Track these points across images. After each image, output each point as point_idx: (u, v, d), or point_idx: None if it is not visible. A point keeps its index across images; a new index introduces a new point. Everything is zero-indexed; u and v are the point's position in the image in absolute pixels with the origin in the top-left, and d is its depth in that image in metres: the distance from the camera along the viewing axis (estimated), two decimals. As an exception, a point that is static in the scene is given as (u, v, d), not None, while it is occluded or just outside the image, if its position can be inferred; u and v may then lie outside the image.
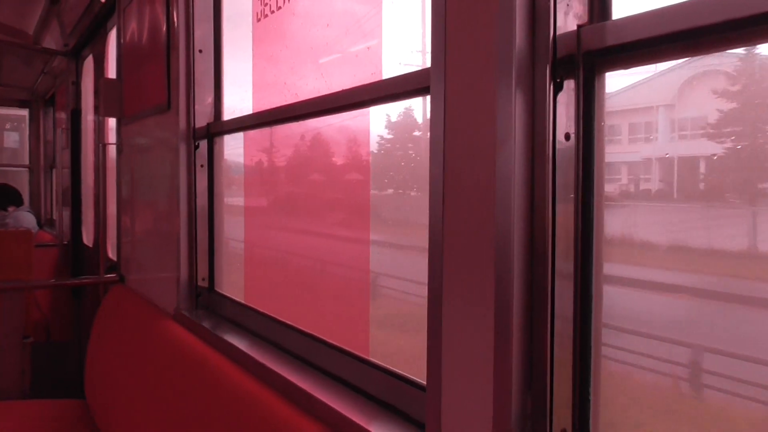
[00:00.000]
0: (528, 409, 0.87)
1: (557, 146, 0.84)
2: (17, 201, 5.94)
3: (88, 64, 4.33)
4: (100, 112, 2.90)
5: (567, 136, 0.85)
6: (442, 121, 0.95)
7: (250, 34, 2.01)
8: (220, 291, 2.21)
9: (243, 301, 2.04)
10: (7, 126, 7.25)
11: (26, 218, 5.69)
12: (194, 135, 2.17)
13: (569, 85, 0.84)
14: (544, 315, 0.86)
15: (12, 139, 7.15)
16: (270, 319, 1.82)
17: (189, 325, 2.11)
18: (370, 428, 1.16)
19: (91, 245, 4.28)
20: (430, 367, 1.01)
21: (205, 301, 2.23)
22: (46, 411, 2.71)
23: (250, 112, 2.03)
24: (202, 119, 2.17)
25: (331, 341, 1.52)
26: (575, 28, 0.84)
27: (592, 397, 0.87)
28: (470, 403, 0.93)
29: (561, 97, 0.84)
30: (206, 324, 2.01)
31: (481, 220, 0.90)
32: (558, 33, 0.83)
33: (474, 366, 0.92)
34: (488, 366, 0.89)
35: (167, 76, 2.25)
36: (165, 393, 1.96)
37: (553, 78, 0.83)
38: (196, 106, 2.15)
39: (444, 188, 0.95)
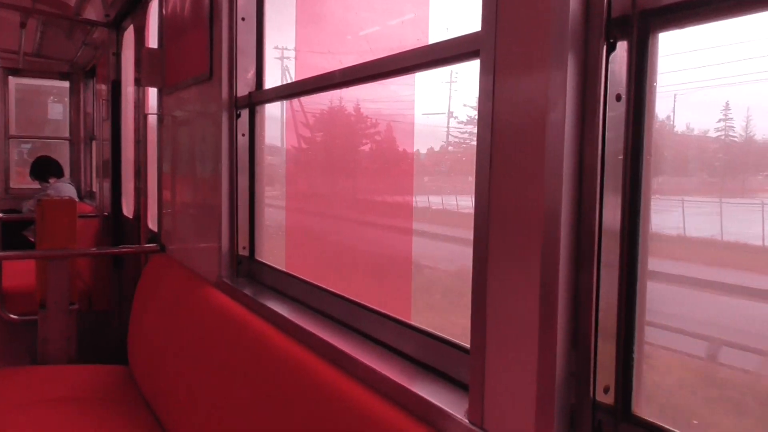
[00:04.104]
0: (573, 367, 0.89)
1: (608, 107, 0.84)
2: (58, 173, 6.08)
3: (129, 35, 4.39)
4: (142, 82, 2.94)
5: (618, 97, 0.85)
6: (491, 84, 0.96)
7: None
8: (260, 259, 2.26)
9: (284, 269, 2.09)
10: (51, 98, 7.39)
11: (67, 189, 5.83)
12: (236, 104, 2.20)
13: (622, 45, 0.84)
14: (590, 273, 0.87)
15: (56, 110, 7.28)
16: (310, 286, 1.86)
17: (230, 292, 2.16)
18: (412, 388, 1.19)
19: (131, 217, 4.38)
20: (475, 328, 1.03)
21: (246, 269, 2.28)
22: (92, 376, 2.82)
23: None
24: (243, 88, 2.20)
25: (370, 305, 1.55)
26: (631, -14, 0.83)
27: (635, 356, 0.89)
28: (515, 362, 0.95)
29: (614, 57, 0.84)
30: (248, 291, 2.06)
31: (529, 180, 0.90)
32: (613, -8, 0.83)
33: (519, 326, 0.94)
34: (533, 326, 0.91)
35: (209, 45, 2.27)
36: (207, 356, 2.03)
37: (606, 38, 0.83)
38: (238, 75, 2.18)
39: (492, 149, 0.96)
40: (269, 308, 1.83)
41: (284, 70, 2.25)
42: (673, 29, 0.84)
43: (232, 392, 1.77)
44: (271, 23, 2.21)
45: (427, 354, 1.30)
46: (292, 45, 2.19)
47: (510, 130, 0.93)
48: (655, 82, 0.85)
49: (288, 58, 2.25)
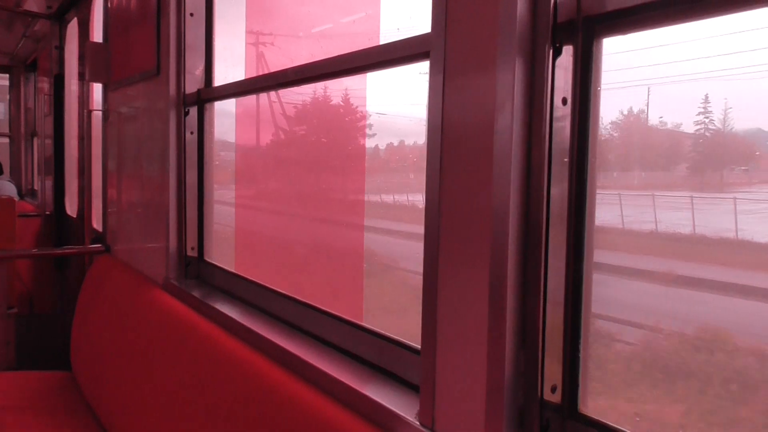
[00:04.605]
0: (521, 366, 0.89)
1: (554, 111, 0.86)
2: (-3, 170, 5.85)
3: (72, 28, 4.24)
4: (86, 77, 2.85)
5: (564, 101, 0.86)
6: (441, 86, 0.96)
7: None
8: (209, 260, 2.21)
9: (233, 270, 2.05)
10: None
11: (6, 188, 5.61)
12: (184, 101, 2.15)
13: (568, 50, 0.86)
14: (537, 274, 0.88)
15: (-2, 110, 6.96)
16: (260, 287, 1.83)
17: (178, 293, 2.11)
18: (364, 391, 1.18)
19: (74, 216, 4.23)
20: (425, 329, 1.03)
21: (195, 270, 2.23)
22: (32, 382, 2.71)
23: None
24: (192, 85, 2.15)
25: (322, 308, 1.54)
26: (576, -7, 0.85)
27: (581, 354, 0.90)
28: (464, 362, 0.95)
29: (560, 61, 0.85)
30: (196, 293, 2.01)
31: (479, 182, 0.91)
32: (558, -2, 0.84)
33: (468, 327, 0.94)
34: (482, 326, 0.92)
35: (157, 41, 2.21)
36: (154, 361, 1.97)
37: (552, 43, 0.84)
38: (186, 72, 2.13)
39: (442, 149, 0.96)
40: (218, 310, 1.79)
41: (259, 56, 2.21)
42: (616, 35, 0.86)
43: (180, 397, 1.73)
44: (223, 19, 2.17)
45: (379, 356, 1.29)
46: (267, 32, 2.15)
47: (459, 130, 0.94)
48: (600, 86, 0.87)
49: (264, 44, 2.21)
